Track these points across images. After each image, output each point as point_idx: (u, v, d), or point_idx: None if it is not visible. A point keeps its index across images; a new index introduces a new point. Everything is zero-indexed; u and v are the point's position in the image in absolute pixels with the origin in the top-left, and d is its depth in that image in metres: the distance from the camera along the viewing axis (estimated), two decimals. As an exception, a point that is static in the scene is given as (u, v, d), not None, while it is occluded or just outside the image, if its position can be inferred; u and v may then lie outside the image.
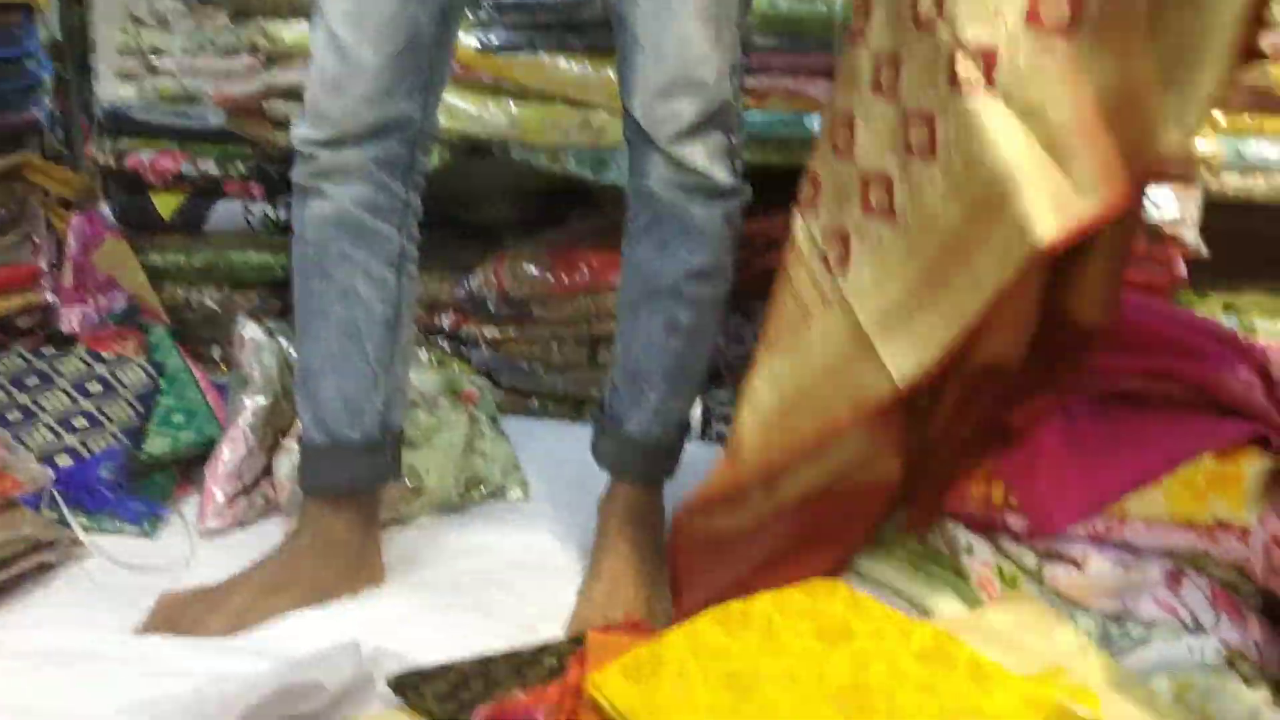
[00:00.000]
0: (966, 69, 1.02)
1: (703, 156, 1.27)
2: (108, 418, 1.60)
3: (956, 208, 1.04)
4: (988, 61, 1.01)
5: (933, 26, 1.05)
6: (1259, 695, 1.08)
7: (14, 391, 1.61)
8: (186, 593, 1.32)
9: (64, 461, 1.51)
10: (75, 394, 1.63)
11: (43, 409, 1.59)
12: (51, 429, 1.57)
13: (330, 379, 1.32)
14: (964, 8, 1.02)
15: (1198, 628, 1.11)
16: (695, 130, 1.26)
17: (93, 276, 1.88)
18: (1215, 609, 1.11)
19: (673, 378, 1.38)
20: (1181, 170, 1.19)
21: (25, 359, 1.68)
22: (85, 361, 1.68)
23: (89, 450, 1.55)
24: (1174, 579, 1.12)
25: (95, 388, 1.65)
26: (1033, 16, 1.00)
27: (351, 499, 1.35)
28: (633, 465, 1.44)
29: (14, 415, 1.57)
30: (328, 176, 1.27)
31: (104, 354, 1.70)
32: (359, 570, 1.36)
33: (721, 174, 1.29)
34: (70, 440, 1.56)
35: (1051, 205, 0.99)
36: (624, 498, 1.44)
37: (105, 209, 2.01)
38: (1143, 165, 1.00)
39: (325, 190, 1.28)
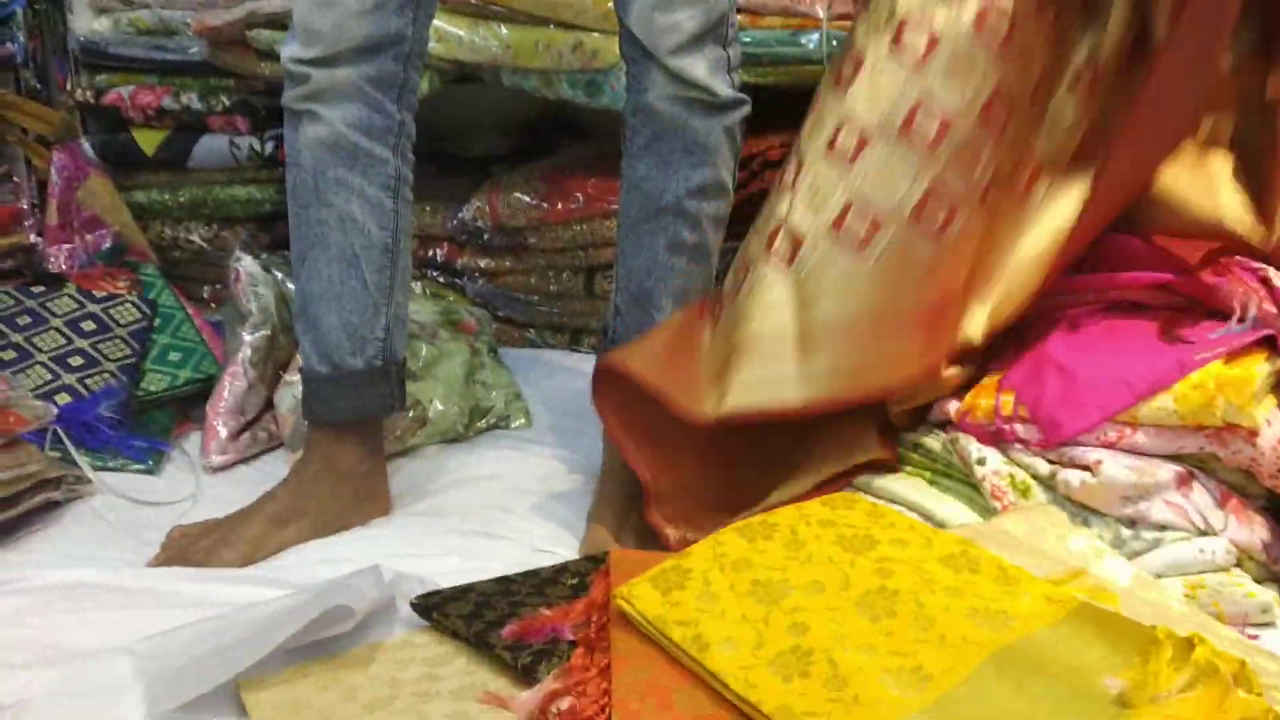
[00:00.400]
0: (781, 242, 1.22)
1: (703, 69, 1.27)
2: (104, 356, 1.59)
3: (722, 340, 1.26)
4: (795, 244, 1.22)
5: (783, 191, 1.26)
6: (1269, 594, 1.10)
7: (7, 331, 1.58)
8: (196, 526, 1.32)
9: (63, 400, 1.50)
10: (69, 332, 1.61)
11: (37, 348, 1.57)
12: (48, 368, 1.55)
13: (331, 307, 1.30)
14: (804, 191, 1.23)
15: (1207, 529, 1.12)
16: (695, 42, 1.26)
17: (78, 214, 1.85)
18: (1224, 510, 1.13)
19: (677, 297, 1.38)
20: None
21: (15, 298, 1.65)
22: (77, 300, 1.66)
23: (88, 389, 1.53)
24: (1183, 482, 1.13)
25: (89, 326, 1.62)
26: (838, 224, 1.20)
27: (357, 429, 1.34)
28: None
29: (9, 354, 1.55)
30: (320, 98, 1.25)
31: (95, 292, 1.68)
32: (366, 501, 1.36)
33: (721, 86, 1.29)
34: (68, 379, 1.54)
35: (751, 388, 1.20)
36: None
37: (86, 146, 1.96)
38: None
39: (318, 112, 1.25)
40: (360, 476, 1.35)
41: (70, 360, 1.57)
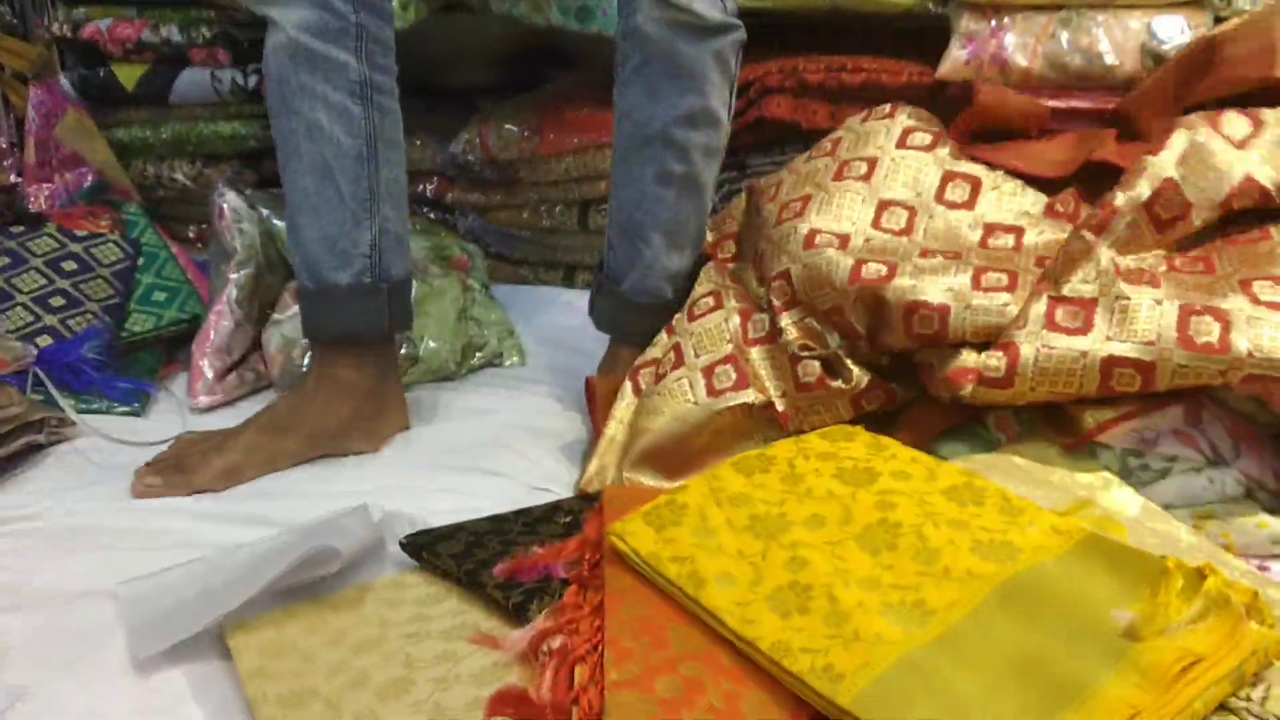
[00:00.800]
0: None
1: None
2: (86, 296, 1.55)
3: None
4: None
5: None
6: (1279, 523, 1.07)
7: (-16, 272, 1.55)
8: (201, 434, 1.31)
9: (45, 341, 1.46)
10: (50, 273, 1.57)
11: (17, 289, 1.53)
12: (28, 309, 1.51)
13: (309, 220, 1.28)
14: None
15: (1218, 459, 1.09)
16: None
17: (57, 152, 1.80)
18: (1234, 440, 1.10)
19: (668, 231, 1.35)
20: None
21: (-9, 238, 1.61)
22: (57, 240, 1.62)
23: (70, 330, 1.50)
24: (1193, 412, 1.10)
25: (70, 266, 1.59)
26: None
27: (358, 345, 1.32)
28: (629, 325, 1.41)
29: (-13, 295, 1.52)
30: (273, 2, 1.22)
31: (76, 232, 1.64)
32: (372, 418, 1.34)
33: (709, 9, 1.26)
34: (50, 320, 1.50)
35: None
36: (621, 357, 1.41)
37: (64, 82, 1.91)
38: None
39: (274, 19, 1.23)
40: (363, 394, 1.32)
41: (51, 301, 1.53)
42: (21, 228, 1.64)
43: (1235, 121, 1.19)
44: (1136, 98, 1.45)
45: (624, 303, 1.40)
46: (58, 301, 1.53)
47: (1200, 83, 1.31)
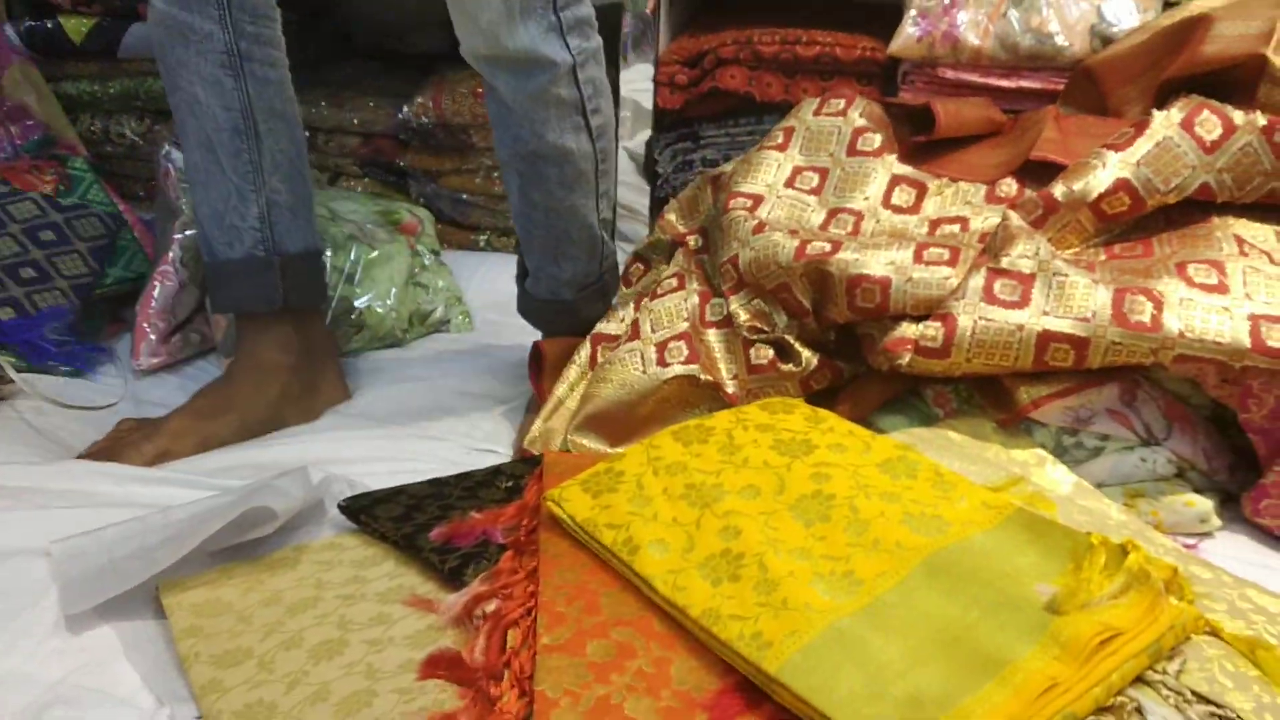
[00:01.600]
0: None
1: (493, 14, 1.16)
2: (58, 272, 1.51)
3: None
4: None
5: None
6: (1208, 503, 1.10)
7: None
8: (136, 421, 1.30)
9: (6, 314, 1.43)
10: (26, 241, 1.52)
11: (-14, 254, 1.50)
12: (-7, 276, 1.48)
13: (201, 195, 1.27)
14: None
15: (1150, 439, 1.11)
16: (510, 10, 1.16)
17: (2, 105, 1.76)
18: (1167, 420, 1.12)
19: (547, 247, 1.33)
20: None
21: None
22: (40, 207, 1.57)
23: (34, 305, 1.46)
24: (1129, 392, 1.12)
25: (48, 236, 1.54)
26: None
27: (283, 323, 1.31)
28: (537, 319, 1.42)
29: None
30: None
31: (60, 200, 1.59)
32: (304, 396, 1.33)
33: (509, 39, 1.17)
34: (15, 291, 1.46)
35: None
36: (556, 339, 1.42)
37: (10, 32, 1.87)
38: None
39: None
40: (289, 370, 1.31)
41: (21, 272, 1.49)
42: (4, 188, 1.60)
43: (1209, 123, 1.19)
44: (1108, 60, 1.46)
45: (528, 298, 1.40)
46: (28, 274, 1.49)
47: (1180, 56, 1.32)
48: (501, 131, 1.26)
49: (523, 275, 1.39)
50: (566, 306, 1.37)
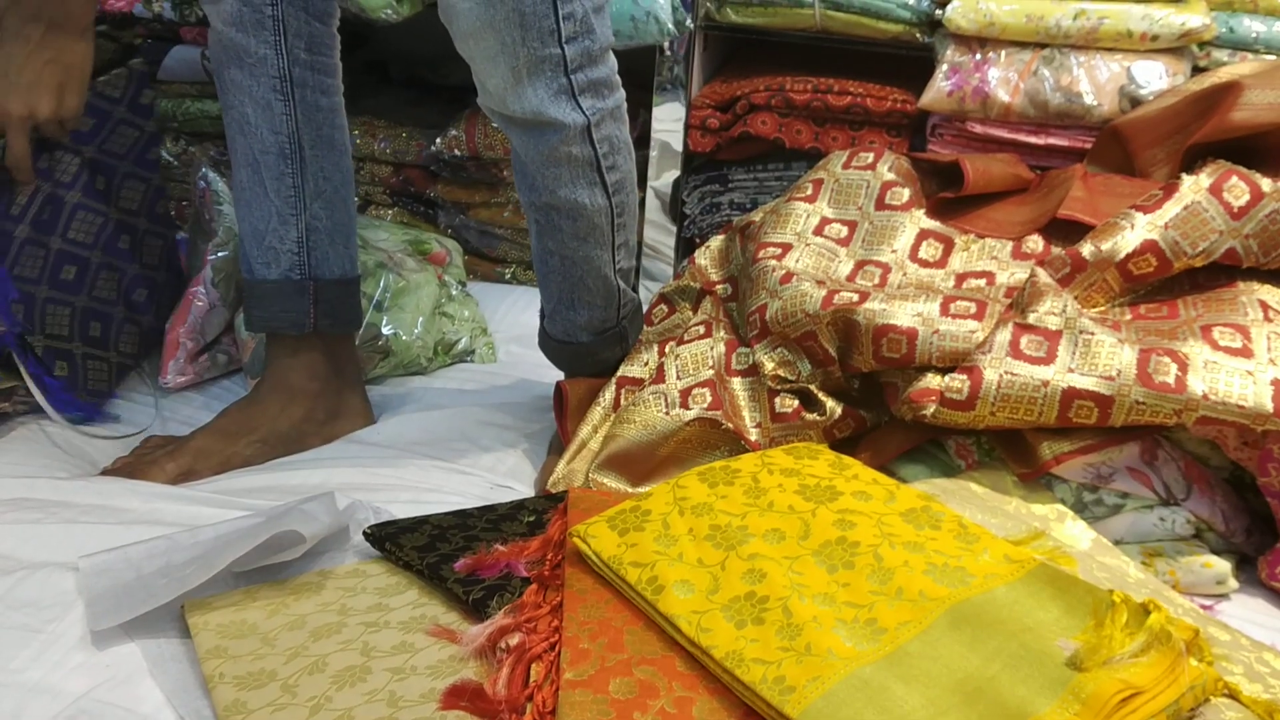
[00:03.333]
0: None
1: (498, 77, 1.15)
2: (117, 346, 1.49)
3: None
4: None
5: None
6: (1225, 565, 1.10)
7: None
8: (161, 439, 1.32)
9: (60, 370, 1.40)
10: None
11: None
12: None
13: (244, 213, 1.30)
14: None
15: (1170, 499, 1.12)
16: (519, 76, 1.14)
17: (42, 122, 1.79)
18: (1187, 481, 1.13)
19: (563, 291, 1.33)
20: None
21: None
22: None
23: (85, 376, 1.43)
24: (1149, 451, 1.13)
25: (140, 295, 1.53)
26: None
27: (313, 347, 1.32)
28: (554, 358, 1.43)
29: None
30: None
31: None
32: (328, 421, 1.34)
33: (519, 106, 1.16)
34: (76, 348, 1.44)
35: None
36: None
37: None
38: None
39: (206, 10, 1.25)
40: (314, 395, 1.33)
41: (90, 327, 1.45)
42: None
43: (1237, 189, 1.20)
44: (1136, 121, 1.47)
45: (546, 338, 1.41)
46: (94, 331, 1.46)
47: (1210, 121, 1.33)
48: (519, 180, 1.27)
49: (544, 315, 1.41)
50: (583, 349, 1.38)
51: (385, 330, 1.53)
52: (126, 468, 1.26)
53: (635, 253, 1.39)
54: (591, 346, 1.37)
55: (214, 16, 1.23)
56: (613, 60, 1.21)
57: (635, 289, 1.47)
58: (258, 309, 1.31)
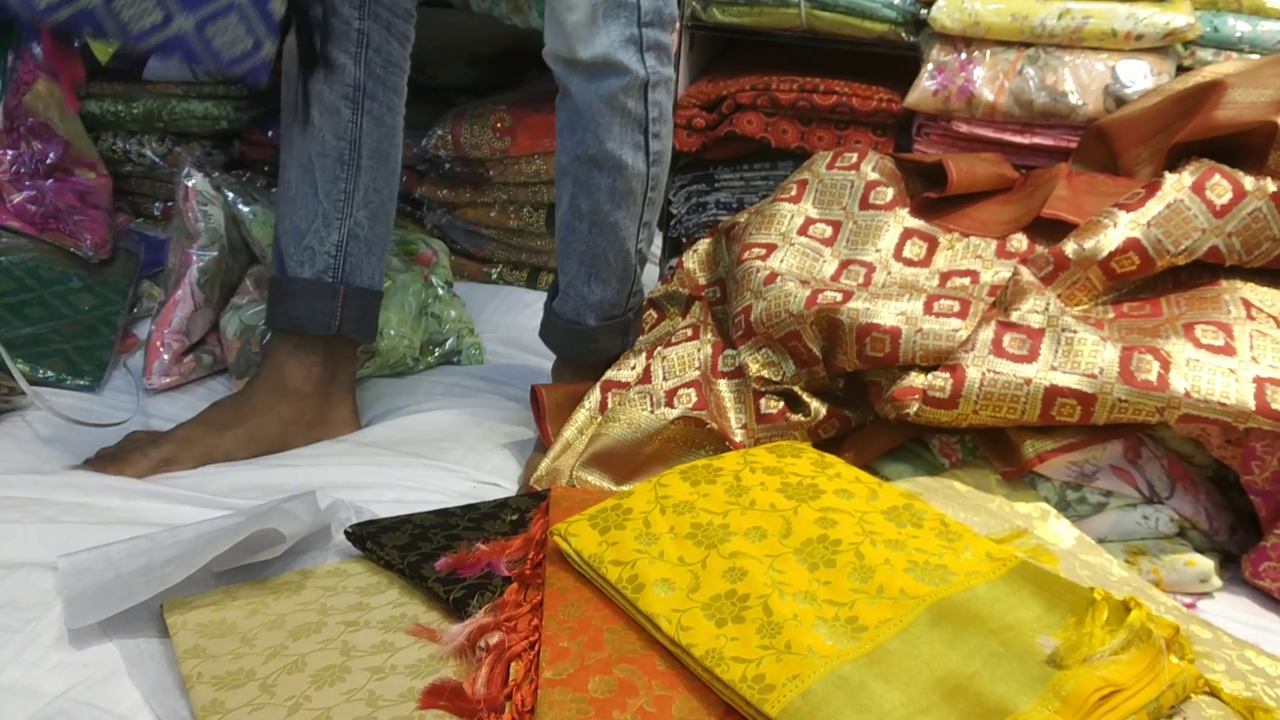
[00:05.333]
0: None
1: (578, 17, 1.20)
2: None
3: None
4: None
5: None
6: (1209, 563, 1.10)
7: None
8: (146, 434, 1.32)
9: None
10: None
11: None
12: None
13: (287, 210, 1.31)
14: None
15: (1153, 497, 1.12)
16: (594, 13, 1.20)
17: (25, 120, 1.78)
18: (1170, 479, 1.13)
19: (583, 262, 1.35)
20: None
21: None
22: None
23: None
24: (1133, 449, 1.13)
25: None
26: None
27: (313, 349, 1.32)
28: (556, 342, 1.43)
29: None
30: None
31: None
32: (315, 424, 1.34)
33: (588, 50, 1.21)
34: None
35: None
36: (563, 376, 1.43)
37: (37, 50, 1.89)
38: None
39: (292, 17, 1.25)
40: (305, 396, 1.33)
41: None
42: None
43: (1219, 187, 1.20)
44: (1121, 121, 1.48)
45: (552, 319, 1.41)
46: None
47: (1194, 120, 1.33)
48: (566, 137, 1.29)
49: (552, 295, 1.41)
50: (588, 332, 1.39)
51: (370, 330, 1.53)
52: (108, 456, 1.25)
53: (652, 240, 1.42)
54: (596, 332, 1.39)
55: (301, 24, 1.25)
56: (673, 37, 1.28)
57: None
58: (284, 305, 1.32)
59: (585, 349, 1.40)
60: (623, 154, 1.28)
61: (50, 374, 1.44)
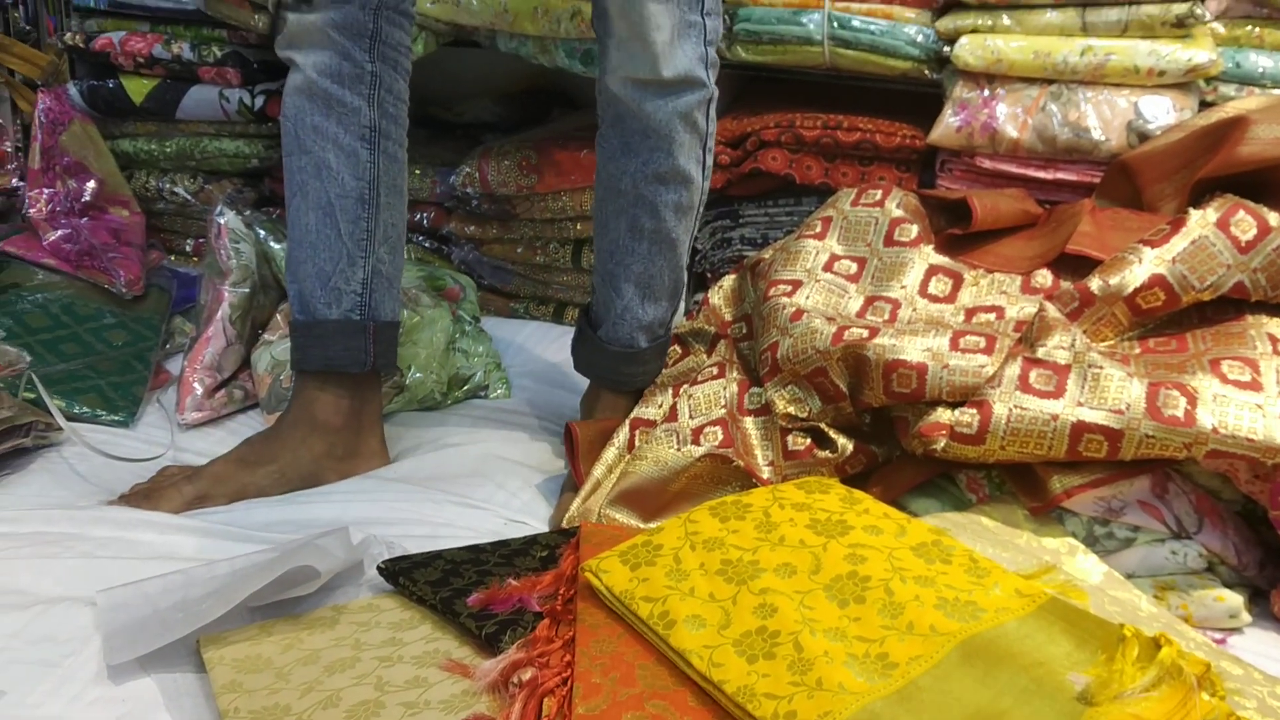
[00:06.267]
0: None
1: (671, 48, 1.24)
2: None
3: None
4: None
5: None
6: (1238, 599, 1.10)
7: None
8: (178, 468, 1.33)
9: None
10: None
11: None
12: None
13: (308, 254, 1.31)
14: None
15: (1181, 532, 1.12)
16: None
17: (60, 160, 1.82)
18: (1198, 514, 1.13)
19: (640, 283, 1.37)
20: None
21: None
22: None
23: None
24: (1160, 485, 1.13)
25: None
26: None
27: (341, 383, 1.34)
28: (602, 369, 1.44)
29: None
30: (295, 44, 1.28)
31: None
32: (347, 458, 1.35)
33: (668, 69, 1.25)
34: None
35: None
36: (601, 399, 1.44)
37: (73, 91, 1.94)
38: None
39: (295, 60, 1.28)
40: (335, 430, 1.34)
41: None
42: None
43: (1244, 223, 1.21)
44: (1145, 156, 1.48)
45: (598, 347, 1.42)
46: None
47: (1217, 155, 1.34)
48: (628, 159, 1.31)
49: (594, 327, 1.42)
50: (639, 355, 1.41)
51: (399, 364, 1.54)
52: (143, 493, 1.27)
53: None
54: (645, 354, 1.41)
55: (308, 68, 1.27)
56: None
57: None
58: (317, 348, 1.33)
59: (635, 372, 1.42)
60: (690, 168, 1.33)
61: (85, 410, 1.46)
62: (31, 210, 1.77)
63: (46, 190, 1.79)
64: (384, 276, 1.34)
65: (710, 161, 1.37)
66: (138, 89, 1.96)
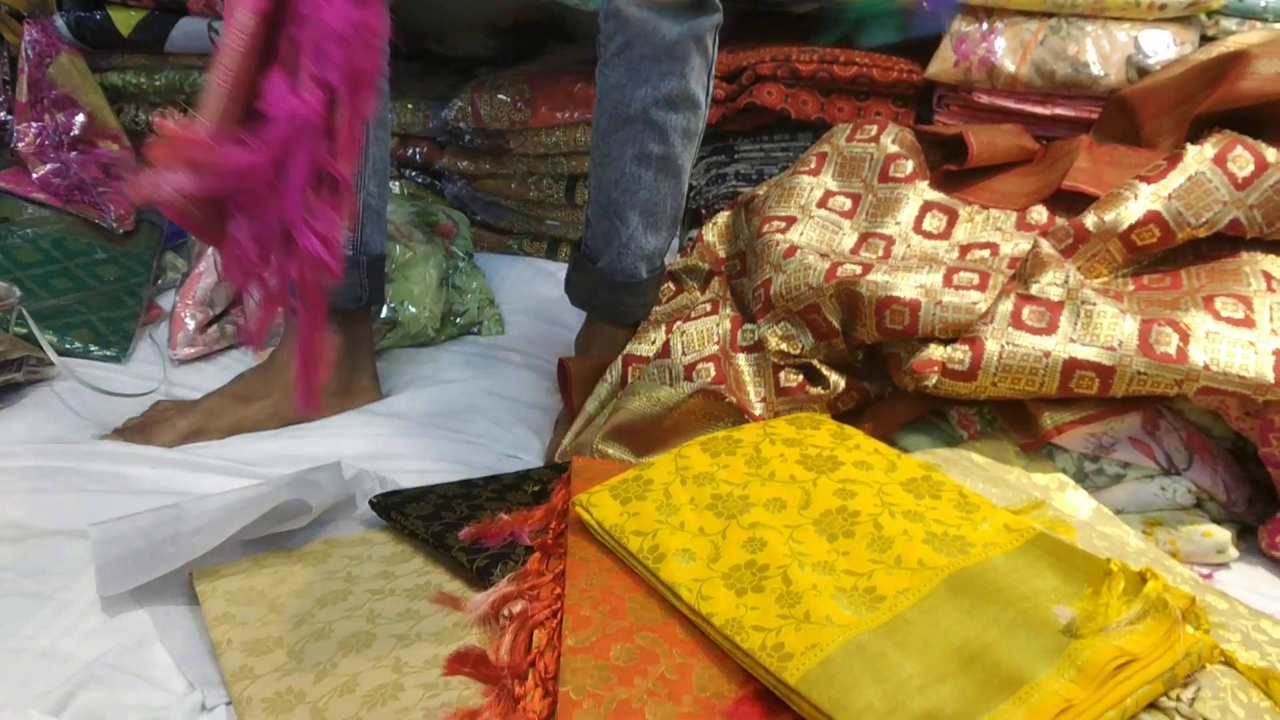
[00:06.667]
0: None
1: None
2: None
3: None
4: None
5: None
6: (1226, 534, 1.11)
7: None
8: (171, 402, 1.34)
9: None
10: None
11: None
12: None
13: None
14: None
15: (1171, 469, 1.12)
16: None
17: (48, 92, 1.79)
18: (1189, 451, 1.13)
19: (645, 211, 1.36)
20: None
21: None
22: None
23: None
24: (1151, 421, 1.13)
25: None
26: None
27: (335, 317, 1.34)
28: (603, 302, 1.43)
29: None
30: None
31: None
32: (340, 394, 1.35)
33: None
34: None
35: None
36: (597, 333, 1.43)
37: (60, 22, 1.90)
38: None
39: None
40: (328, 366, 1.34)
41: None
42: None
43: (1241, 159, 1.20)
44: (1143, 91, 1.46)
45: (599, 280, 1.42)
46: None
47: (1217, 91, 1.32)
48: (637, 86, 1.31)
49: (593, 260, 1.41)
50: (639, 285, 1.41)
51: (393, 302, 1.54)
52: (137, 427, 1.27)
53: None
54: (646, 284, 1.41)
55: None
56: None
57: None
58: None
59: (635, 303, 1.42)
60: (698, 93, 1.33)
61: (77, 345, 1.46)
62: (20, 144, 1.75)
63: (35, 124, 1.77)
64: (373, 210, 1.34)
65: (712, 88, 1.37)
66: (125, 20, 1.92)
